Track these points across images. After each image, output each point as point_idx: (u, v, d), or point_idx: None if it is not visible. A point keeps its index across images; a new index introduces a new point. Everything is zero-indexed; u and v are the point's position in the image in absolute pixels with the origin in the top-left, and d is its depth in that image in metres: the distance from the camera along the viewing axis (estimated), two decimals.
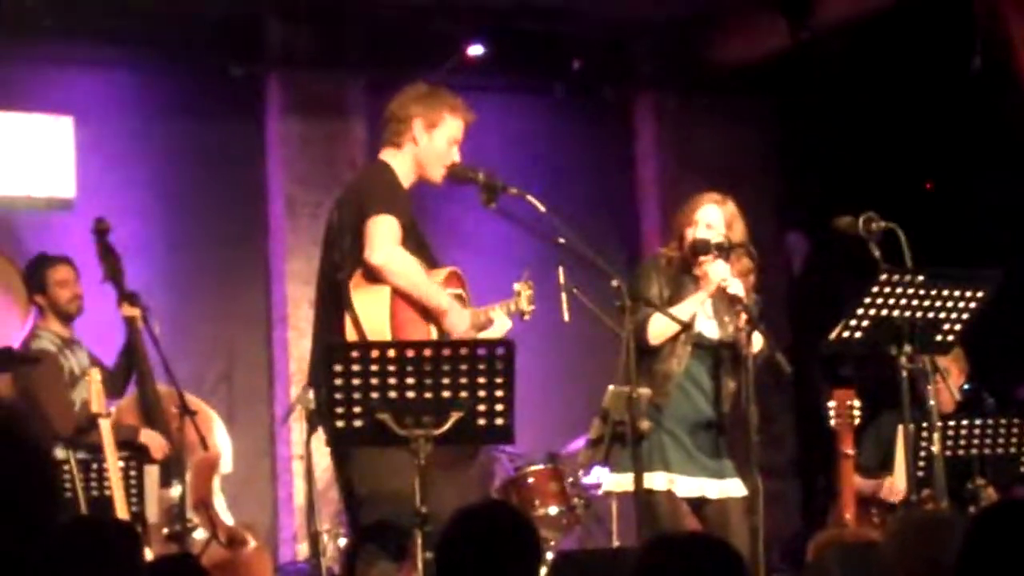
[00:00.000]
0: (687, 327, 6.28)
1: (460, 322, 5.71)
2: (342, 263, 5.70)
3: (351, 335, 5.57)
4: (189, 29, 9.45)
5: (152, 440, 7.35)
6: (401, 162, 5.88)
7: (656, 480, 6.20)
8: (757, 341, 6.21)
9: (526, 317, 5.99)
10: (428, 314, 5.68)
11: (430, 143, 5.88)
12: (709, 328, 6.39)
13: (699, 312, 6.33)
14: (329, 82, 9.98)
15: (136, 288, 7.62)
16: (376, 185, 5.78)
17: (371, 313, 5.57)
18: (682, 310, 6.26)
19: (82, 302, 7.57)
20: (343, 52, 9.91)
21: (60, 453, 6.80)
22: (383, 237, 5.57)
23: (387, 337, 5.51)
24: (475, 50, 9.81)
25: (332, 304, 5.71)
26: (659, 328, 6.26)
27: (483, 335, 5.80)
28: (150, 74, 9.62)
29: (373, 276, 5.59)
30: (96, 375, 6.78)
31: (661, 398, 6.24)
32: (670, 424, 6.28)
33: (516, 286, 5.99)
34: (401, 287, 5.59)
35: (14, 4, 8.77)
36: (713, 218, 6.38)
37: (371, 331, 5.55)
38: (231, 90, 9.72)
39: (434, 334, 5.67)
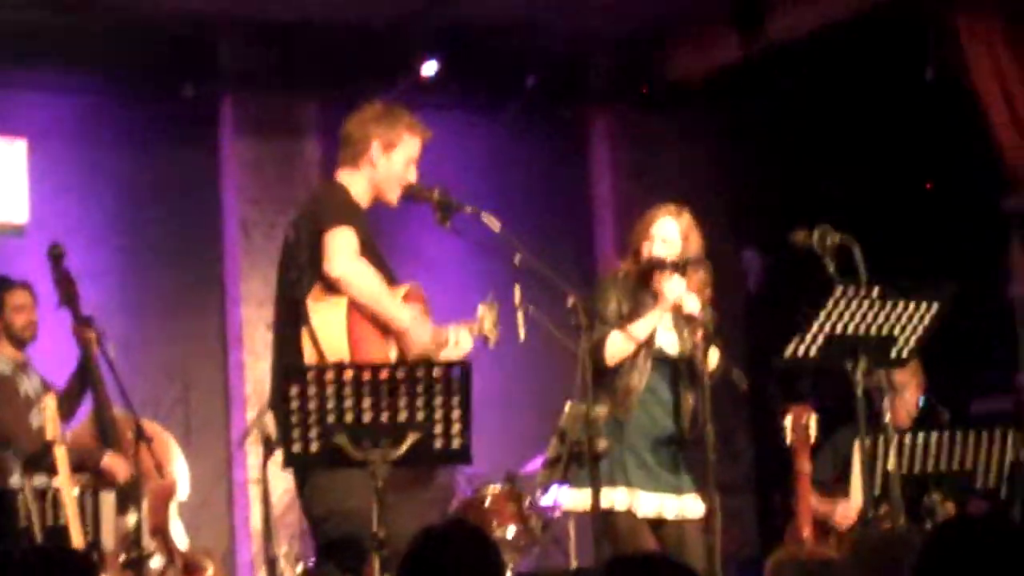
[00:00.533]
0: (646, 343, 6.27)
1: (421, 335, 5.68)
2: (299, 280, 5.64)
3: (309, 352, 5.52)
4: (141, 51, 9.39)
5: (115, 464, 7.31)
6: (357, 182, 5.83)
7: (617, 497, 6.19)
8: (713, 357, 6.22)
9: (491, 344, 5.90)
10: (387, 329, 5.63)
11: (388, 164, 5.83)
12: (669, 342, 6.38)
13: (658, 326, 6.32)
14: (282, 102, 9.94)
15: (90, 312, 7.59)
16: (332, 201, 5.74)
17: (328, 330, 5.52)
18: (639, 328, 6.25)
19: (36, 328, 7.53)
20: (296, 72, 9.87)
21: (15, 482, 6.75)
22: (342, 249, 5.53)
23: (345, 353, 5.46)
24: (429, 68, 9.79)
25: (291, 323, 5.64)
26: (616, 348, 6.25)
27: (444, 353, 5.76)
28: (103, 97, 9.57)
29: (331, 288, 5.54)
30: (51, 402, 6.71)
31: (623, 413, 6.23)
32: (631, 439, 6.27)
33: (480, 309, 5.89)
34: (361, 299, 5.54)
35: None
36: (669, 232, 6.36)
37: (328, 348, 5.50)
38: (184, 112, 9.67)
39: (393, 349, 5.64)
